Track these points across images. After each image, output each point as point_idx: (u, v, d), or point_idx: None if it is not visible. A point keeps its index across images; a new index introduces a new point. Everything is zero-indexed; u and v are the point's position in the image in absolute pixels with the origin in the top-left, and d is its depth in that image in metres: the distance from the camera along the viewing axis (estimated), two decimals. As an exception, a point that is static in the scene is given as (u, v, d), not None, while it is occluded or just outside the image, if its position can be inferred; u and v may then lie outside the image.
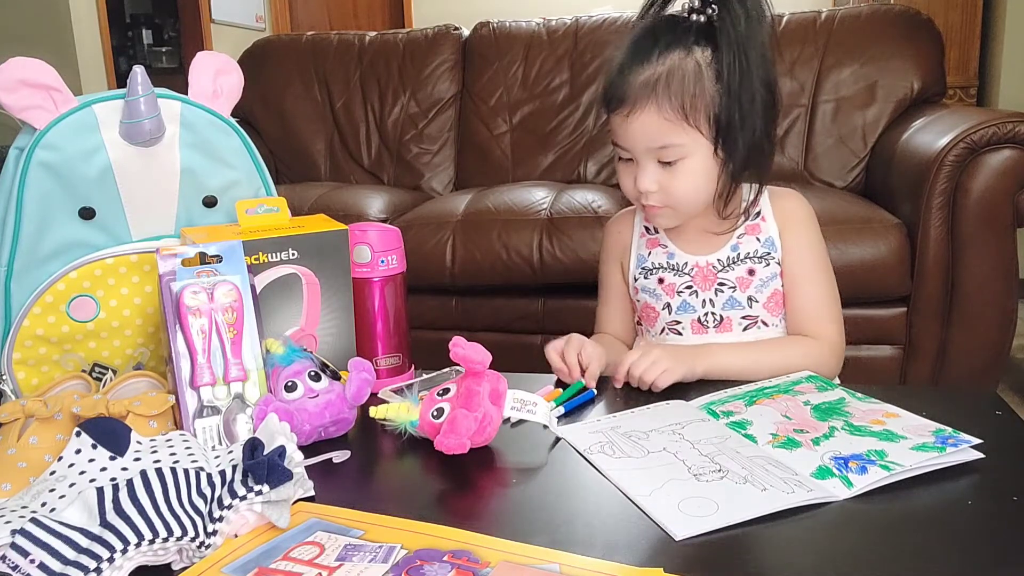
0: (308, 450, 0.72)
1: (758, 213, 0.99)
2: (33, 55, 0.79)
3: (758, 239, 0.98)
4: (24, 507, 0.58)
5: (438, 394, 0.74)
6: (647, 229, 1.03)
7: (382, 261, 0.89)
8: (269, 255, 0.81)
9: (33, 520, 0.53)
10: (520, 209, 1.95)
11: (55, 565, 0.51)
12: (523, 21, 2.59)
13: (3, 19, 2.71)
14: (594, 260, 1.88)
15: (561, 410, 0.81)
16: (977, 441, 0.66)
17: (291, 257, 0.82)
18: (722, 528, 0.57)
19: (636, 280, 1.03)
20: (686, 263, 0.99)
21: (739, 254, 0.98)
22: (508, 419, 0.76)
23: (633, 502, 0.62)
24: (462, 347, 0.72)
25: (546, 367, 0.90)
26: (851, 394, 0.80)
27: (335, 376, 0.77)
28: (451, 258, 1.91)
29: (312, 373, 0.76)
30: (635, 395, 0.85)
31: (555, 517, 0.61)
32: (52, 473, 0.62)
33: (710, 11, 0.88)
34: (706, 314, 0.98)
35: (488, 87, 2.53)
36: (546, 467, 0.70)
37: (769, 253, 0.98)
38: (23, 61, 0.78)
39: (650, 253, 1.02)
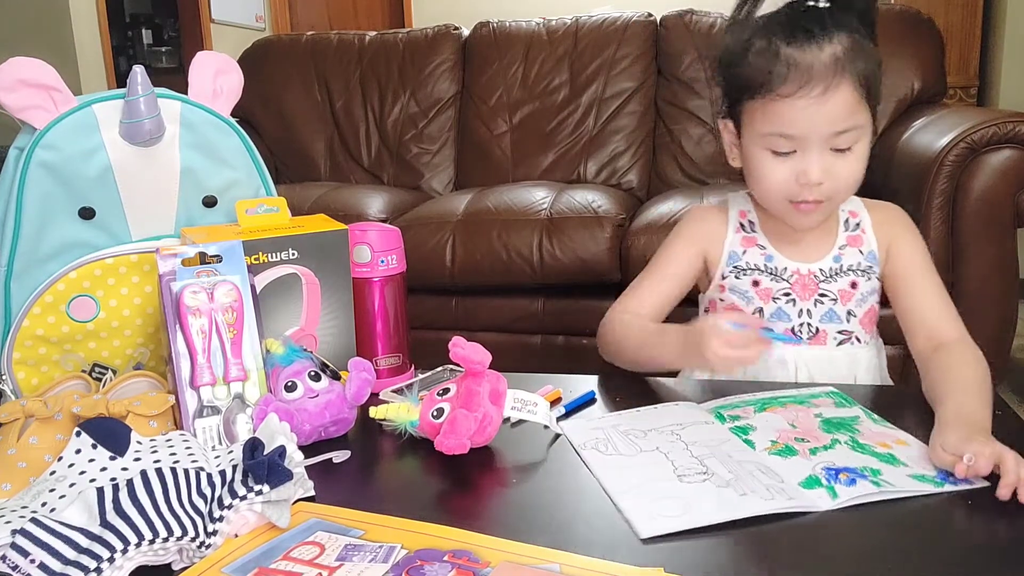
0: (308, 450, 0.72)
1: (857, 224, 0.95)
2: (33, 55, 0.79)
3: (860, 251, 0.94)
4: (24, 507, 0.58)
5: (438, 394, 0.74)
6: (742, 226, 0.97)
7: (382, 261, 0.88)
8: (269, 255, 0.81)
9: (33, 520, 0.53)
10: (520, 209, 1.95)
11: (55, 565, 0.51)
12: (523, 21, 2.59)
13: (3, 19, 2.71)
14: (594, 260, 1.91)
15: (561, 410, 0.81)
16: (985, 484, 0.63)
17: (291, 257, 0.82)
18: (692, 529, 0.57)
19: (725, 277, 0.96)
20: (786, 268, 0.94)
21: (842, 265, 0.93)
22: (508, 419, 0.76)
23: (610, 498, 0.63)
24: (462, 347, 0.72)
25: (546, 367, 0.90)
26: (868, 414, 0.77)
27: (335, 376, 0.77)
28: (451, 258, 1.91)
29: (312, 373, 0.75)
30: (642, 396, 0.85)
31: (555, 517, 0.61)
32: (52, 473, 0.62)
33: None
34: (801, 324, 0.93)
35: (488, 87, 2.53)
36: (546, 467, 0.70)
37: (871, 267, 0.94)
38: (23, 61, 0.78)
39: (745, 252, 0.95)
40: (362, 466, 0.72)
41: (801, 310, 0.93)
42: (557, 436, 0.75)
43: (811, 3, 0.83)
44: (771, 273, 0.94)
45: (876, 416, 0.77)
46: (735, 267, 0.95)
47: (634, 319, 0.94)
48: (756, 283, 0.94)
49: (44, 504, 0.58)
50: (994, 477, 0.62)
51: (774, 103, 0.84)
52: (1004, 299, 1.64)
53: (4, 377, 0.81)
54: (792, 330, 0.93)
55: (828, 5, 0.83)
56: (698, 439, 0.72)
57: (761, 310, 0.94)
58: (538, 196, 2.01)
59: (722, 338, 0.78)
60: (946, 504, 0.61)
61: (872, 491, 0.62)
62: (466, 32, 2.64)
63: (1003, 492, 0.61)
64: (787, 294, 0.93)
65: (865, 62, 0.83)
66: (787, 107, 0.83)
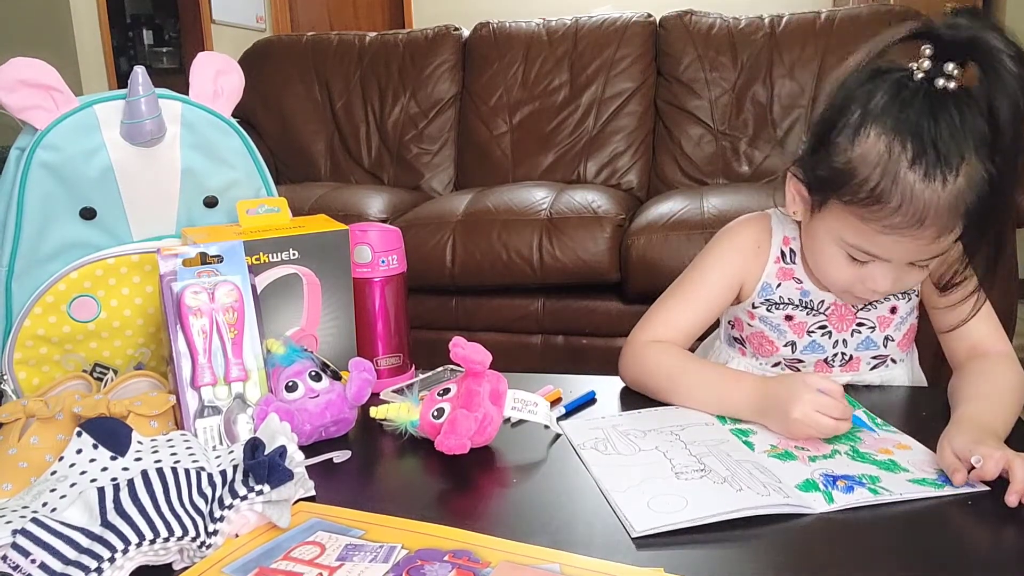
0: (309, 450, 0.72)
1: None
2: (34, 55, 0.79)
3: None
4: (25, 507, 0.58)
5: (438, 394, 0.74)
6: (783, 255, 0.88)
7: (382, 261, 0.89)
8: (270, 255, 0.81)
9: (34, 520, 0.53)
10: (520, 209, 1.95)
11: (56, 565, 0.51)
12: (523, 21, 2.59)
13: (3, 19, 2.71)
14: (594, 260, 1.91)
15: (561, 410, 0.81)
16: (986, 489, 0.63)
17: (292, 257, 0.82)
18: (692, 529, 0.57)
19: (756, 307, 0.89)
20: (822, 301, 0.87)
21: None
22: (508, 419, 0.76)
23: (605, 497, 0.63)
24: (462, 347, 0.72)
25: (546, 367, 0.90)
26: (872, 420, 0.77)
27: (336, 376, 0.77)
28: (451, 258, 1.91)
29: (313, 373, 0.76)
30: (645, 397, 0.85)
31: (555, 517, 0.61)
32: (53, 473, 0.62)
33: (960, 70, 0.70)
34: (835, 355, 0.89)
35: (488, 87, 2.53)
36: (546, 467, 0.70)
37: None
38: (24, 61, 0.78)
39: (779, 284, 0.88)
40: (362, 466, 0.72)
41: (836, 341, 0.88)
42: (557, 436, 0.75)
43: (942, 83, 0.69)
44: (806, 307, 0.87)
45: (879, 420, 0.76)
46: (767, 299, 0.88)
47: (669, 348, 0.86)
48: (790, 318, 0.88)
49: (45, 504, 0.59)
50: (995, 482, 0.62)
51: (872, 228, 0.72)
52: (1004, 299, 1.64)
53: (5, 377, 0.81)
54: (826, 360, 0.89)
55: (956, 85, 0.69)
56: (697, 439, 0.72)
57: (793, 343, 0.89)
58: (538, 196, 2.01)
59: (816, 403, 0.71)
60: (946, 507, 0.61)
61: (869, 498, 0.62)
62: (466, 32, 2.65)
63: (1011, 499, 0.60)
64: (823, 327, 0.88)
65: (981, 187, 0.69)
66: (887, 238, 0.72)
